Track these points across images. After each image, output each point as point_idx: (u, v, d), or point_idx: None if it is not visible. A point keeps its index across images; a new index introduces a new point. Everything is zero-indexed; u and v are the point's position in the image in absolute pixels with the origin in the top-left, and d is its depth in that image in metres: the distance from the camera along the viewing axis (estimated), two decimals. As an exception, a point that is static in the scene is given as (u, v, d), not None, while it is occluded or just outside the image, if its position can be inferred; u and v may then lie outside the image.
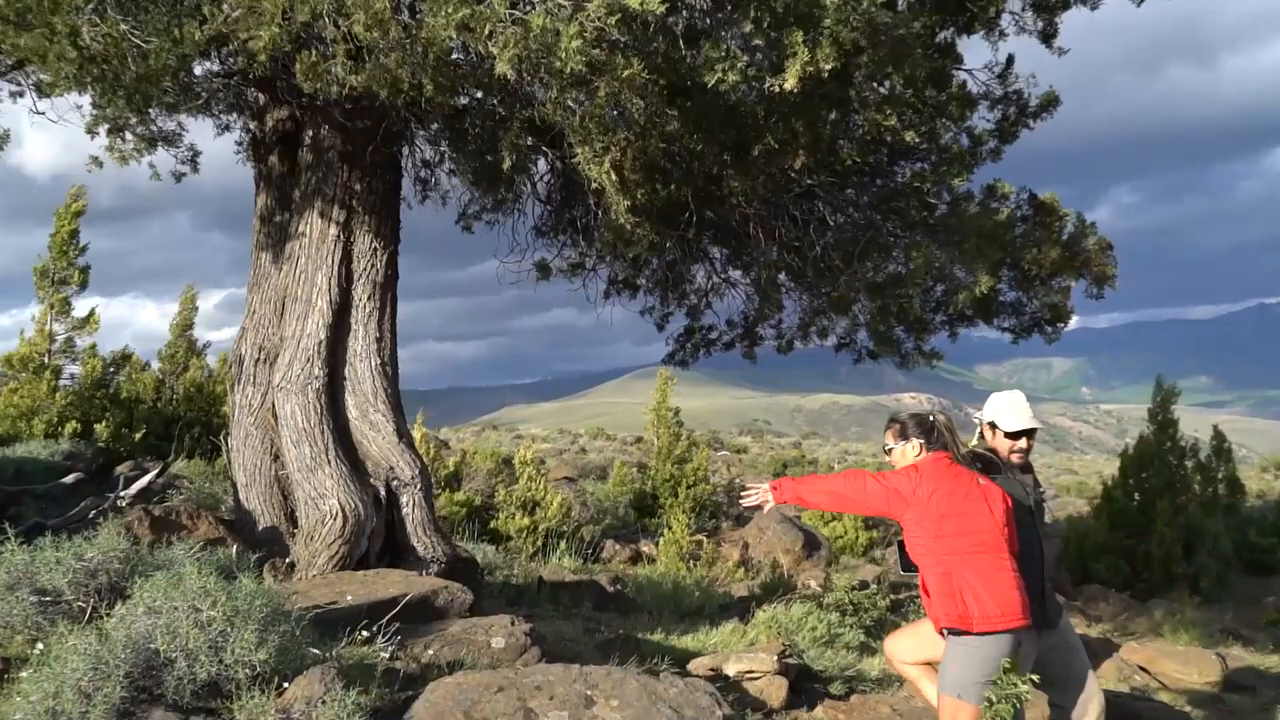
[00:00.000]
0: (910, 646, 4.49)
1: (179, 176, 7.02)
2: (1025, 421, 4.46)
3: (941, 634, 4.10)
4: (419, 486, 7.17)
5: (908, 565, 4.37)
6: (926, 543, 4.16)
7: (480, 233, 9.36)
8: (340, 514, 6.72)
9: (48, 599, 3.90)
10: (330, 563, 6.63)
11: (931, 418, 4.56)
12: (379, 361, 7.31)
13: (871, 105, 5.83)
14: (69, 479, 8.69)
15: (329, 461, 6.91)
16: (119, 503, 8.23)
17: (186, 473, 9.95)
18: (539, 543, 14.29)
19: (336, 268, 7.24)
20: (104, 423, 13.41)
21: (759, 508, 4.48)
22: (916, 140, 6.78)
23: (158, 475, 8.70)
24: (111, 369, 14.58)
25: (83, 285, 14.61)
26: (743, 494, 4.50)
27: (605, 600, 9.81)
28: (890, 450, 4.55)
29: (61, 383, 13.76)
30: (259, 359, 7.37)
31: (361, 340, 7.30)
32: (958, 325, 9.03)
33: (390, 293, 7.49)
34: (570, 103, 4.63)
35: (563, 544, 14.06)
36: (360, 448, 7.24)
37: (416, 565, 6.97)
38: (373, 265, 7.36)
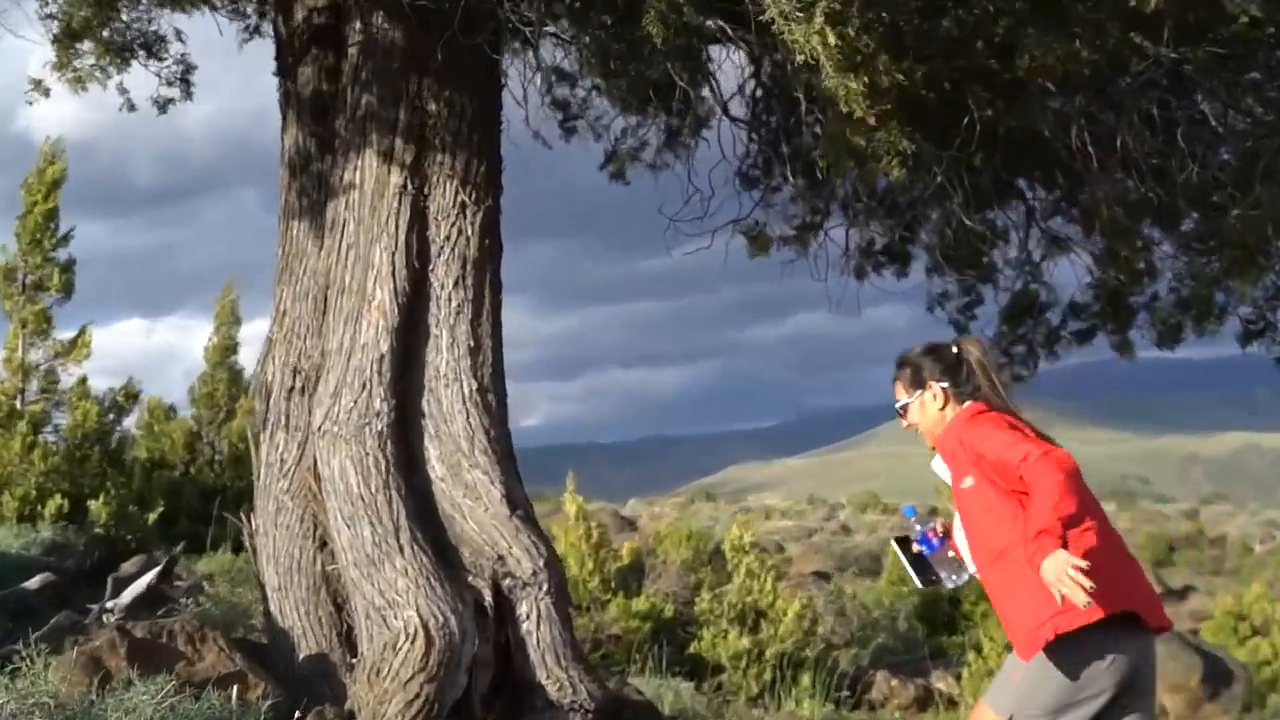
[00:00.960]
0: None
1: (163, 104, 7.07)
2: None
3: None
4: (546, 587, 6.98)
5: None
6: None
7: (649, 186, 9.41)
8: (421, 633, 6.55)
9: None
10: (407, 711, 6.42)
11: (955, 347, 4.84)
12: (474, 386, 7.17)
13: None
14: (33, 582, 8.92)
15: (400, 548, 6.78)
16: (105, 616, 8.30)
17: (219, 571, 10.08)
18: (766, 675, 14.13)
19: (404, 237, 7.14)
20: (102, 498, 13.87)
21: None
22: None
23: (162, 574, 8.79)
24: (110, 416, 15.09)
25: (65, 291, 15.19)
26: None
27: (865, 764, 9.68)
28: (904, 408, 4.88)
29: (44, 437, 14.34)
30: (293, 388, 7.37)
31: (446, 353, 7.19)
32: None
33: (490, 275, 7.37)
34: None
35: (806, 677, 13.85)
36: (450, 525, 7.10)
37: (548, 714, 6.79)
38: (460, 231, 7.26)
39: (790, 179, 9.10)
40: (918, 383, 4.84)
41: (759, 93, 9.05)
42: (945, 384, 4.77)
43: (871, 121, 4.63)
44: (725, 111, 8.92)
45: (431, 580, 6.71)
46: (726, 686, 13.67)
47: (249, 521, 7.50)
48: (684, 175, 9.01)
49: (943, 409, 4.78)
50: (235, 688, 5.08)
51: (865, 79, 4.32)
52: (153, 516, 14.77)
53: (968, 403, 4.72)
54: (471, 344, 7.22)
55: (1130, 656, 4.39)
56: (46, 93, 6.42)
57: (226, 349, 18.76)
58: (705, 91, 8.88)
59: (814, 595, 18.26)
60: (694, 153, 9.07)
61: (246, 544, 7.57)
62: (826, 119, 5.74)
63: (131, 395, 16.32)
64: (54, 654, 5.88)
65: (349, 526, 6.84)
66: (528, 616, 6.91)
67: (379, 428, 6.98)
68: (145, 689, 4.33)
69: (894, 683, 14.09)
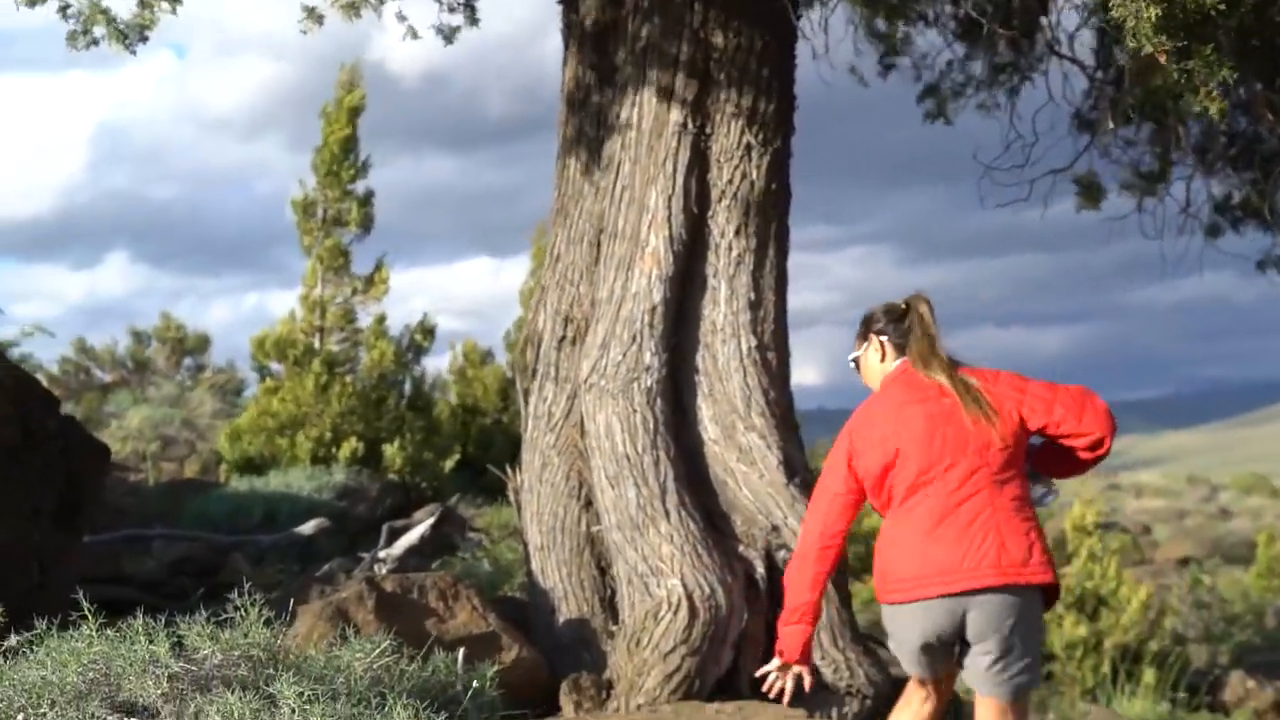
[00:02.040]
0: None
1: (449, 34, 7.21)
2: None
3: None
4: None
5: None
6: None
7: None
8: (685, 603, 6.59)
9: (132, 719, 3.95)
10: (666, 684, 6.51)
11: (905, 303, 5.05)
12: (753, 343, 7.14)
13: None
14: (308, 527, 9.41)
15: (667, 513, 6.83)
16: (377, 565, 8.70)
17: (496, 525, 10.44)
18: (1104, 668, 13.73)
19: (682, 180, 7.15)
20: (397, 443, 14.42)
21: None
22: None
23: (434, 526, 9.13)
24: (409, 355, 15.65)
25: (364, 225, 15.75)
26: None
27: (1196, 780, 9.27)
28: (855, 360, 5.20)
29: (343, 377, 14.92)
30: (564, 337, 7.49)
31: (724, 306, 7.18)
32: None
33: (775, 223, 7.32)
34: None
35: (1149, 673, 13.38)
36: (722, 491, 7.11)
37: (821, 697, 6.70)
38: (743, 175, 7.21)
39: (1134, 123, 8.73)
40: (864, 335, 5.12)
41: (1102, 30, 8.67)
42: (885, 336, 5.01)
43: (1161, 59, 4.35)
44: (1054, 50, 8.63)
45: (699, 548, 6.72)
46: (1057, 678, 13.35)
47: (514, 476, 7.66)
48: (1004, 120, 8.76)
49: (882, 361, 5.04)
50: (463, 651, 5.23)
51: (1159, 9, 4.05)
52: (449, 464, 15.29)
53: (899, 361, 4.99)
54: (752, 297, 7.18)
55: (923, 626, 4.75)
56: (320, 20, 6.65)
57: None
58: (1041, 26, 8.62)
59: (1172, 584, 17.55)
60: (1020, 95, 8.80)
61: (511, 499, 7.76)
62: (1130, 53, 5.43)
63: (428, 331, 16.83)
64: (301, 603, 6.24)
65: (613, 487, 6.92)
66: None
67: (648, 383, 7.02)
68: (360, 646, 4.50)
69: (1251, 684, 13.43)
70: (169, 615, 4.44)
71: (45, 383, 20.65)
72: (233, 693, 3.56)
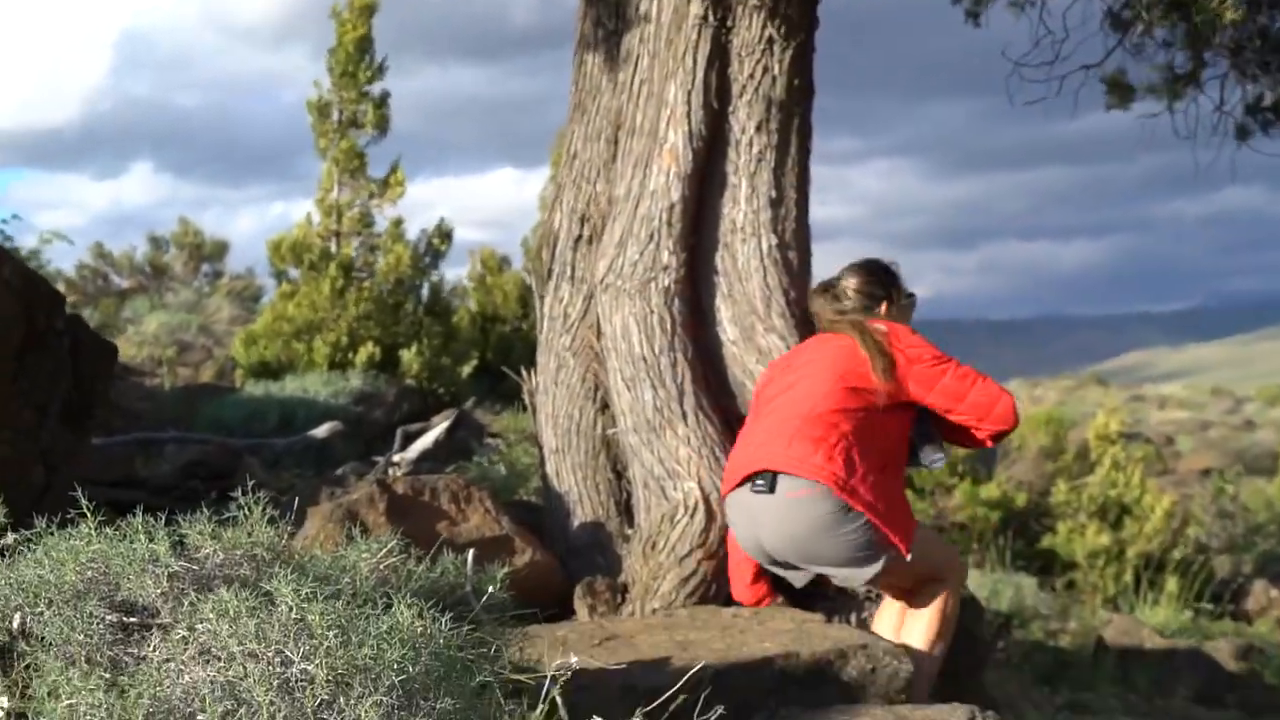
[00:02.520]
0: None
1: None
2: None
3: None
4: None
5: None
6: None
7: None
8: (701, 506, 6.56)
9: (132, 619, 3.89)
10: (682, 588, 6.52)
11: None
12: (773, 241, 7.03)
13: None
14: (321, 430, 9.42)
15: (684, 415, 6.77)
16: (391, 469, 8.69)
17: (513, 429, 10.44)
18: (1126, 577, 13.82)
19: (701, 74, 7.01)
20: (414, 348, 14.39)
21: None
22: None
23: (450, 431, 9.11)
24: (427, 260, 15.61)
25: (380, 127, 15.63)
26: None
27: (1220, 687, 9.46)
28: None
29: (359, 281, 14.87)
30: (579, 236, 7.44)
31: (744, 204, 7.07)
32: None
33: (797, 120, 7.17)
34: None
35: (1171, 582, 13.49)
36: (741, 394, 7.00)
37: (838, 601, 6.62)
38: (765, 70, 7.06)
39: (1169, 21, 8.52)
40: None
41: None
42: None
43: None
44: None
45: (716, 451, 6.68)
46: (1079, 586, 13.41)
47: (529, 378, 7.62)
48: (1034, 16, 8.55)
49: None
50: (472, 552, 5.17)
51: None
52: (467, 370, 15.29)
53: None
54: (773, 195, 7.07)
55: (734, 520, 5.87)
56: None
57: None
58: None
59: (1195, 494, 17.57)
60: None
61: (527, 402, 7.72)
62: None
63: (445, 235, 16.76)
64: (311, 504, 6.21)
65: (629, 389, 6.88)
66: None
67: (665, 283, 6.95)
68: (366, 546, 4.44)
69: (1274, 593, 13.57)
70: (170, 515, 4.38)
71: (63, 288, 20.76)
72: (228, 591, 3.50)
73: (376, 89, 15.99)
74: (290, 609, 3.42)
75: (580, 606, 6.44)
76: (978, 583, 11.63)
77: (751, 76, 7.07)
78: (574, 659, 4.25)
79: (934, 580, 5.91)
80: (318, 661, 3.31)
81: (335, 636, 3.37)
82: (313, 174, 16.10)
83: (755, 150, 7.10)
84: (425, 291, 16.98)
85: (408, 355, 14.70)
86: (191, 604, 3.58)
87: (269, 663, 3.34)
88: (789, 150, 7.15)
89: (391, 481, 6.40)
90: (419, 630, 3.61)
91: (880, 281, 6.22)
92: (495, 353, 18.63)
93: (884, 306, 6.15)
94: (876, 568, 5.66)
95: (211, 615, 3.44)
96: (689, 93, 7.02)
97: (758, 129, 7.09)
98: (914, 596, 5.98)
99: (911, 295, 6.30)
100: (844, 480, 5.52)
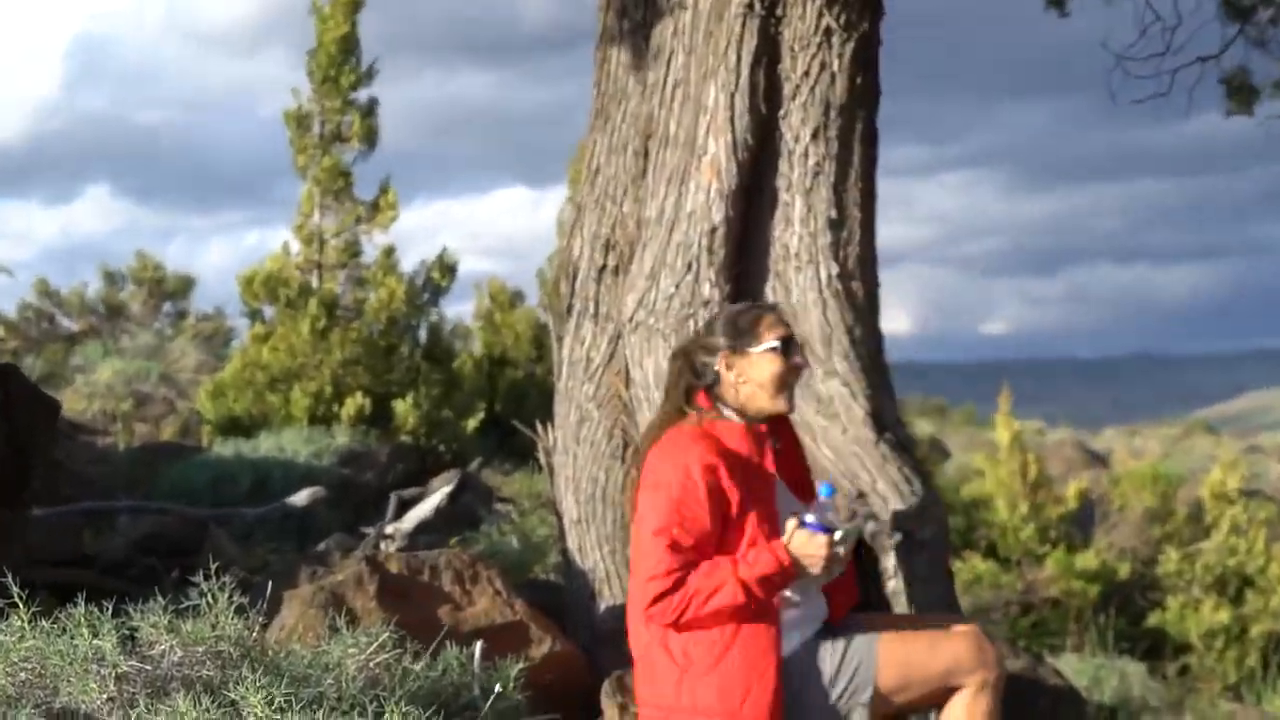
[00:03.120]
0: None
1: None
2: None
3: None
4: (921, 533, 6.77)
5: None
6: None
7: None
8: None
9: None
10: None
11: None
12: (833, 270, 6.98)
13: None
14: (301, 497, 9.36)
15: None
16: (384, 542, 8.62)
17: (526, 493, 10.37)
18: (1250, 660, 13.75)
19: (747, 73, 6.94)
20: (410, 398, 14.33)
21: None
22: None
23: (452, 496, 9.05)
24: (425, 295, 15.56)
25: (368, 140, 15.59)
26: None
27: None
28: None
29: (344, 320, 14.82)
30: (604, 266, 7.37)
31: (799, 226, 7.01)
32: None
33: (860, 125, 7.12)
34: None
35: None
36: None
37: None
38: (822, 66, 6.99)
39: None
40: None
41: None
42: None
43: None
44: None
45: (770, 519, 6.61)
46: (1195, 672, 13.31)
47: (546, 434, 7.55)
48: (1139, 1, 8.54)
49: None
50: (480, 644, 5.08)
51: None
52: (472, 423, 15.22)
53: None
54: (833, 215, 7.00)
55: None
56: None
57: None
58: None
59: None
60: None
61: (543, 462, 7.66)
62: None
63: (447, 268, 16.71)
64: (288, 587, 6.11)
65: (665, 444, 6.80)
66: (895, 572, 6.68)
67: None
68: (354, 640, 4.35)
69: None
70: (118, 603, 4.30)
71: (1, 332, 20.79)
72: (185, 699, 3.39)
73: (363, 96, 16.02)
74: (260, 721, 3.32)
75: (608, 705, 6.29)
76: (1076, 669, 11.51)
77: (806, 74, 7.00)
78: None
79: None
80: (294, 788, 3.18)
81: (315, 756, 3.25)
82: (293, 198, 16.05)
83: (812, 161, 7.03)
84: (423, 332, 16.83)
85: (402, 407, 14.54)
86: (139, 715, 3.47)
87: (235, 789, 3.22)
88: (851, 161, 7.08)
89: (384, 559, 6.33)
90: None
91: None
92: (505, 403, 18.61)
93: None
94: None
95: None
96: (732, 95, 6.96)
97: (814, 136, 7.02)
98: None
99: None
100: None
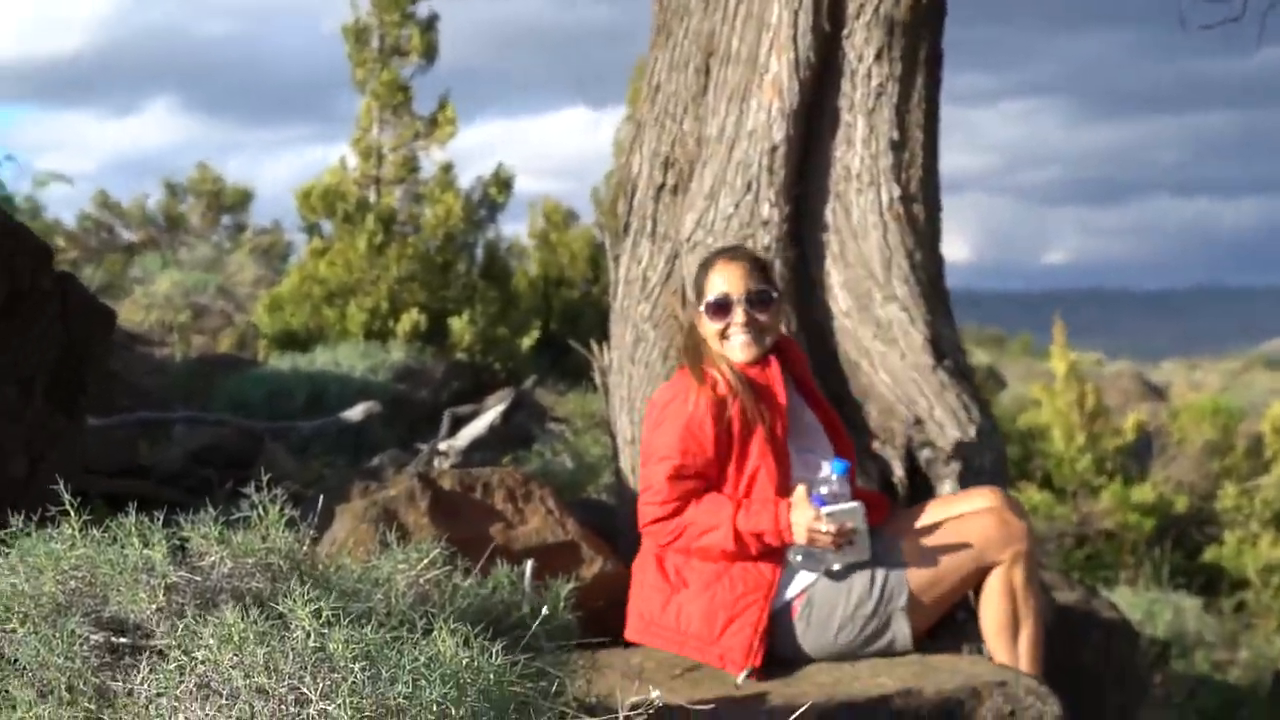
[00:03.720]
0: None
1: None
2: None
3: None
4: (977, 463, 6.77)
5: None
6: None
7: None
8: None
9: (122, 640, 3.80)
10: None
11: None
12: (895, 193, 6.94)
13: None
14: (355, 412, 9.39)
15: None
16: (437, 459, 8.62)
17: (580, 413, 10.38)
18: None
19: (810, -9, 6.89)
20: (466, 315, 14.32)
21: None
22: None
23: (506, 414, 9.05)
24: (482, 213, 15.53)
25: (427, 55, 15.50)
26: None
27: None
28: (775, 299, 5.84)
29: (402, 236, 14.80)
30: (663, 185, 7.32)
31: (860, 148, 6.98)
32: None
33: (925, 46, 7.06)
34: None
35: None
36: (855, 374, 7.00)
37: (969, 625, 6.50)
38: (887, -14, 6.94)
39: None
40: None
41: None
42: None
43: None
44: None
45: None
46: (1251, 608, 13.22)
47: (601, 353, 7.57)
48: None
49: None
50: (530, 563, 5.08)
51: None
52: (527, 342, 15.21)
53: None
54: (895, 137, 6.96)
55: None
56: None
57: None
58: None
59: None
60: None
61: (598, 382, 7.65)
62: None
63: (504, 184, 16.66)
64: (341, 501, 6.12)
65: (717, 365, 6.78)
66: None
67: (766, 241, 6.86)
68: (404, 556, 4.34)
69: None
70: (171, 513, 4.28)
71: (61, 242, 20.88)
72: (233, 610, 3.38)
73: (423, 9, 15.91)
74: (308, 635, 3.31)
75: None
76: (1130, 603, 11.46)
77: (869, -4, 6.95)
78: (654, 693, 4.14)
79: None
80: (340, 701, 3.20)
81: (362, 670, 3.26)
82: (355, 114, 16.02)
83: (875, 82, 6.98)
84: (479, 250, 17.02)
85: (458, 324, 14.68)
86: (187, 626, 3.46)
87: (281, 701, 3.25)
88: (915, 82, 7.02)
89: (436, 475, 6.33)
90: (464, 661, 3.49)
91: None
92: (561, 322, 18.59)
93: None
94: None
95: (212, 640, 3.33)
96: (796, 11, 6.89)
97: (877, 56, 6.96)
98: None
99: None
100: None
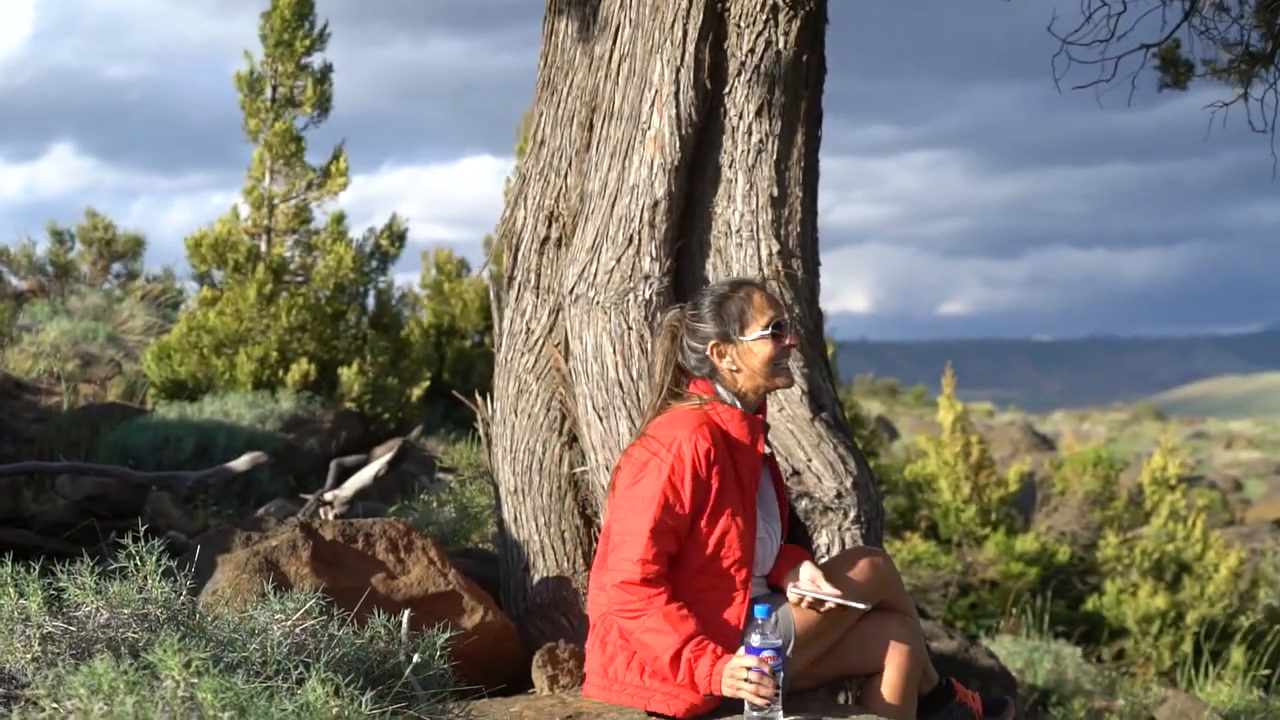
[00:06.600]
0: None
1: None
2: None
3: None
4: (854, 515, 6.84)
5: None
6: None
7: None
8: None
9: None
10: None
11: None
12: (774, 248, 6.98)
13: None
14: (241, 462, 9.32)
15: None
16: (323, 509, 8.61)
17: (465, 463, 10.38)
18: (1184, 647, 13.85)
19: (693, 48, 6.93)
20: (356, 365, 14.30)
21: None
22: None
23: (392, 464, 9.03)
24: (375, 264, 15.51)
25: (321, 106, 15.50)
26: None
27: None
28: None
29: (292, 287, 14.77)
30: (546, 238, 7.35)
31: (740, 203, 7.02)
32: None
33: (805, 103, 7.12)
34: None
35: (1237, 652, 13.55)
36: None
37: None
38: (768, 44, 6.99)
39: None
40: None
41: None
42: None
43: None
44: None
45: (702, 496, 6.62)
46: (1129, 657, 13.40)
47: (485, 405, 7.55)
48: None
49: None
50: (407, 613, 5.10)
51: None
52: (417, 392, 15.20)
53: None
54: (775, 193, 7.01)
55: None
56: None
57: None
58: None
59: (1267, 549, 17.55)
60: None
61: (480, 433, 7.66)
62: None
63: (397, 235, 16.65)
64: (223, 551, 6.11)
65: (601, 419, 6.80)
66: (828, 550, 6.71)
67: (646, 295, 6.86)
68: (281, 606, 4.36)
69: (1358, 668, 13.49)
70: (52, 564, 4.30)
71: (-54, 292, 20.58)
72: (105, 660, 3.41)
73: (317, 60, 15.96)
74: (177, 685, 3.32)
75: (539, 677, 6.31)
76: (1010, 651, 11.59)
77: (752, 51, 6.99)
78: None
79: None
80: (208, 749, 3.19)
81: (230, 719, 3.25)
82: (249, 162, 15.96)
83: (755, 139, 7.03)
84: (371, 300, 16.96)
85: (348, 374, 14.64)
86: (57, 676, 3.48)
87: (149, 750, 3.22)
88: (795, 139, 7.09)
89: (319, 525, 6.29)
90: (334, 711, 3.52)
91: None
92: (452, 372, 18.61)
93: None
94: None
95: (83, 690, 3.34)
96: (678, 70, 6.93)
97: (758, 113, 7.02)
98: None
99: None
100: None
